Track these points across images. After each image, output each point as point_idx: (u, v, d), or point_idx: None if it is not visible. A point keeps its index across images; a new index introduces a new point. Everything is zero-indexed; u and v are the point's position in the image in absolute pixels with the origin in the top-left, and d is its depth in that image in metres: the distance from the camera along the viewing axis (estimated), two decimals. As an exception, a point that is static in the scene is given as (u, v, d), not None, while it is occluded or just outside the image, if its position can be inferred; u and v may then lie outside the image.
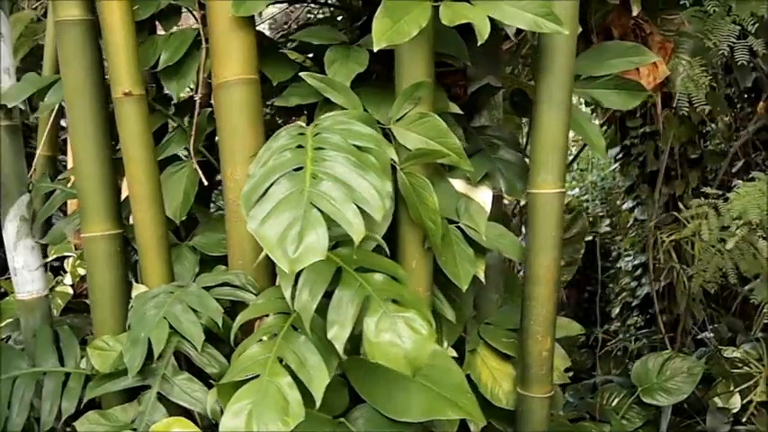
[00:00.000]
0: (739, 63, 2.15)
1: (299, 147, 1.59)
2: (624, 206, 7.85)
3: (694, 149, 7.15)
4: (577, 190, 9.86)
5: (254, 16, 1.92)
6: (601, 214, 9.49)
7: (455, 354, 2.00)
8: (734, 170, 7.50)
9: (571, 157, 9.70)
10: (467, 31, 2.14)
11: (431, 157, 1.78)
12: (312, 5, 2.79)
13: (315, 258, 1.38)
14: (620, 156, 7.63)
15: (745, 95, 7.61)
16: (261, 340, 1.64)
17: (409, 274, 1.88)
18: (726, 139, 7.91)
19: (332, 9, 2.71)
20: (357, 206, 1.47)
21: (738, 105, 7.78)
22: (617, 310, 7.77)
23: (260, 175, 1.53)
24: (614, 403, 2.99)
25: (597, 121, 8.33)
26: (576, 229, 2.65)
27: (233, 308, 1.89)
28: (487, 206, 2.04)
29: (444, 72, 2.27)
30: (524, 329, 1.97)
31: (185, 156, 2.11)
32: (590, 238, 9.04)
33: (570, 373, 3.86)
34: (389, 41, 1.62)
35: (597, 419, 2.94)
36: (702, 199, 2.32)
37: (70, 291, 2.54)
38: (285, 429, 1.46)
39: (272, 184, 1.49)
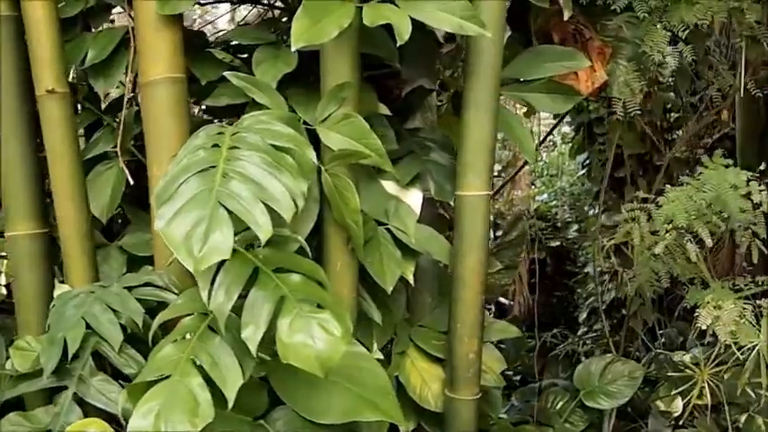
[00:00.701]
0: (672, 68, 2.17)
1: (215, 146, 1.58)
2: (591, 212, 7.93)
3: (660, 156, 7.24)
4: (546, 195, 9.94)
5: (181, 15, 1.91)
6: (569, 220, 9.57)
7: (381, 356, 1.99)
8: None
9: (541, 163, 9.81)
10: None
11: (353, 158, 1.78)
12: (260, 5, 2.78)
13: (219, 257, 1.38)
14: (588, 162, 7.71)
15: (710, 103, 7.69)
16: (177, 341, 1.63)
17: (334, 275, 1.88)
18: (691, 146, 8.00)
19: (277, 8, 2.70)
20: (268, 206, 1.46)
21: (704, 113, 7.87)
22: (584, 315, 7.84)
23: (172, 175, 1.52)
24: (558, 407, 3.00)
25: (568, 128, 8.43)
26: (516, 232, 2.66)
27: (159, 309, 1.87)
28: (417, 208, 2.04)
29: (379, 74, 2.27)
30: (451, 332, 1.97)
31: (116, 154, 2.09)
32: (558, 243, 9.13)
33: (518, 377, 3.90)
34: (308, 41, 1.62)
35: (541, 423, 2.95)
36: (635, 203, 2.33)
37: (4, 291, 2.51)
38: (193, 430, 1.45)
39: (182, 183, 1.48)
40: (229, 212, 1.42)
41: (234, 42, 2.18)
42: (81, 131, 2.17)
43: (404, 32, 1.61)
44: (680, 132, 8.30)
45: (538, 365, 3.56)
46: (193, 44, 2.02)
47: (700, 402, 3.03)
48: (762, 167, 2.57)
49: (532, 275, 8.62)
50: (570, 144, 8.05)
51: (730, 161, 2.23)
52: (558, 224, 9.48)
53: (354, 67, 1.82)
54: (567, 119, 8.79)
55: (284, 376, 1.74)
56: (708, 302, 2.21)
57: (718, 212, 2.09)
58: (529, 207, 9.49)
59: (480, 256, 1.93)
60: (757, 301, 2.29)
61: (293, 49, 1.60)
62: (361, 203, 2.00)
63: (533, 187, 10.04)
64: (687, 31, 2.13)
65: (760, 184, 2.12)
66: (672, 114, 7.73)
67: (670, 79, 8.08)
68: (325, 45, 1.82)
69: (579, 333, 5.40)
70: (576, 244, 9.32)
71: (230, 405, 1.51)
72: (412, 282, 2.01)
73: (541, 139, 5.85)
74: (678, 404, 3.00)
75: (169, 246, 1.39)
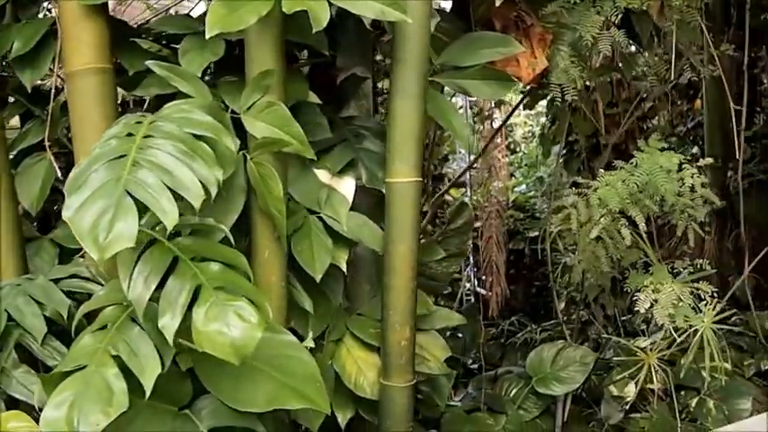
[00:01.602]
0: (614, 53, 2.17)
1: (129, 135, 1.57)
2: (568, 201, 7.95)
3: (635, 146, 7.26)
4: (524, 186, 9.96)
5: (106, 5, 1.90)
6: (546, 210, 9.58)
7: (313, 344, 1.99)
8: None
9: (520, 154, 9.82)
10: (338, 21, 2.15)
11: (276, 146, 1.77)
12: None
13: (124, 245, 1.37)
14: (565, 152, 7.73)
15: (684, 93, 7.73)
16: (97, 331, 1.62)
17: (262, 263, 1.88)
18: (665, 135, 8.03)
19: None
20: (178, 193, 1.46)
21: (679, 102, 7.92)
22: (562, 306, 7.86)
23: (84, 164, 1.51)
24: (512, 393, 3.01)
25: (544, 119, 8.44)
26: (461, 219, 2.66)
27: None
28: (350, 196, 2.04)
29: (315, 63, 2.27)
30: (384, 319, 1.98)
31: (49, 146, 2.08)
32: (536, 233, 9.16)
33: (476, 365, 3.91)
34: (224, 29, 1.61)
35: (494, 410, 2.96)
36: (575, 188, 2.34)
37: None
38: (106, 420, 1.45)
39: (91, 173, 1.47)
40: (137, 201, 1.41)
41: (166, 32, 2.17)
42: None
43: (321, 19, 1.61)
44: (654, 121, 8.34)
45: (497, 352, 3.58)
46: (122, 34, 2.00)
47: (653, 387, 3.05)
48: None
49: (512, 265, 8.68)
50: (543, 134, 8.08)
51: (665, 145, 2.24)
52: (537, 214, 9.53)
53: (278, 55, 1.82)
54: (543, 110, 8.83)
55: (210, 365, 1.73)
56: (647, 286, 2.21)
57: (651, 196, 2.10)
58: (507, 198, 9.53)
59: (410, 243, 1.93)
60: (695, 285, 2.30)
61: (207, 36, 1.59)
62: (294, 192, 2.01)
63: (513, 178, 10.08)
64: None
65: (694, 168, 2.13)
66: (646, 104, 7.77)
67: (644, 68, 8.10)
68: (248, 33, 1.81)
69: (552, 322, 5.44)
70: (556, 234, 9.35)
71: (147, 394, 1.52)
72: (345, 270, 2.01)
73: (500, 124, 5.84)
74: (631, 389, 3.01)
75: (76, 235, 1.39)
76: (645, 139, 7.29)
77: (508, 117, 5.27)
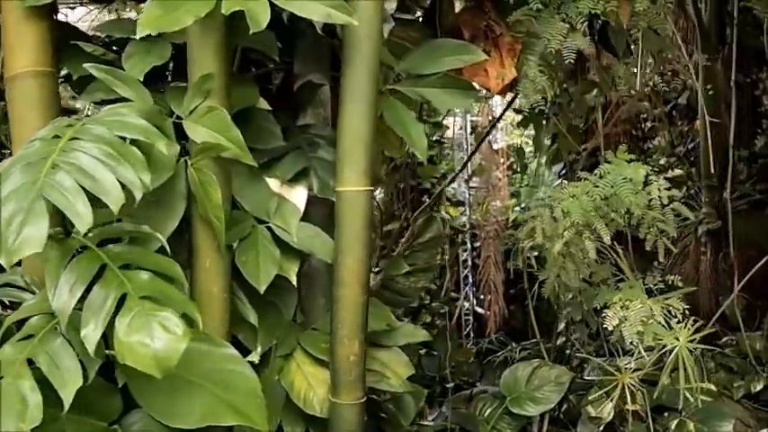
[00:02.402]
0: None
1: (56, 137, 1.51)
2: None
3: None
4: (524, 205, 9.88)
5: (51, 7, 1.85)
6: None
7: (257, 359, 1.91)
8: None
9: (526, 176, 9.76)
10: (292, 27, 2.10)
11: (215, 151, 1.71)
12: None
13: (31, 250, 1.31)
14: (564, 171, 7.65)
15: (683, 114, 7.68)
16: (19, 341, 1.56)
17: (203, 273, 1.82)
18: (667, 155, 7.96)
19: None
20: (97, 197, 1.40)
21: (679, 122, 7.86)
22: (562, 325, 7.75)
23: (6, 166, 1.45)
24: (486, 413, 2.92)
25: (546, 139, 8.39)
26: (429, 233, 2.58)
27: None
28: (301, 206, 1.97)
29: (272, 69, 2.22)
30: (332, 333, 1.90)
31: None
32: (537, 254, 9.06)
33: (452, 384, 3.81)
34: (157, 29, 1.56)
35: (467, 431, 2.87)
36: (541, 200, 2.26)
37: None
38: (20, 434, 1.38)
39: (10, 176, 1.41)
40: (51, 204, 1.35)
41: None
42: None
43: (260, 20, 1.55)
44: (655, 141, 8.26)
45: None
46: (68, 37, 1.96)
47: (632, 407, 2.96)
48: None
49: (511, 284, 8.59)
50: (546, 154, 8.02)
51: (632, 156, 2.16)
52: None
53: (222, 59, 1.76)
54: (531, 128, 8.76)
55: (143, 379, 1.65)
56: (615, 302, 2.13)
57: (617, 209, 2.02)
58: (507, 218, 9.45)
59: (360, 254, 1.86)
60: (667, 302, 2.21)
61: (138, 36, 1.54)
62: (243, 201, 1.94)
63: (513, 198, 10.01)
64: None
65: (662, 181, 2.05)
66: (647, 124, 7.70)
67: (645, 89, 8.06)
68: (190, 36, 1.76)
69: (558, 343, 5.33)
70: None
71: (66, 408, 1.45)
72: (294, 282, 1.94)
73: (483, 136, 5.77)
74: (608, 409, 2.91)
75: (-14, 239, 1.32)
76: (645, 160, 7.17)
77: (489, 130, 5.19)
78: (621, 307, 2.13)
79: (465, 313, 8.14)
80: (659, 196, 2.02)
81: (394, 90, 2.11)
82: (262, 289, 1.81)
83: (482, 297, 7.78)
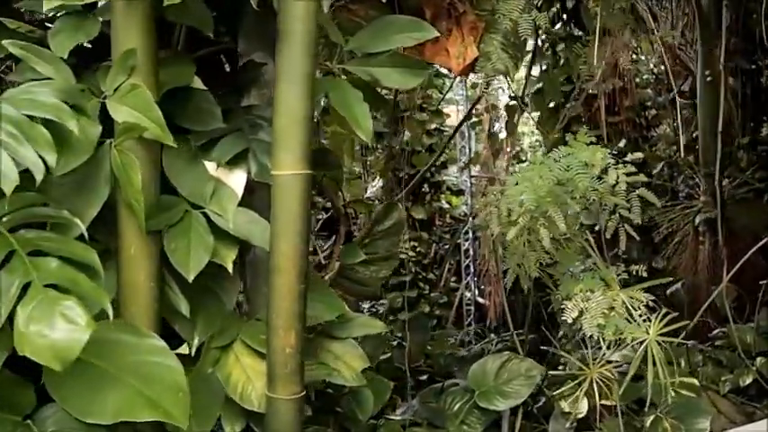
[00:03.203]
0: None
1: (-46, 116, 1.43)
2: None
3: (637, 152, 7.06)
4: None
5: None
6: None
7: (186, 350, 1.83)
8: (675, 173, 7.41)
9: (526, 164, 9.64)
10: (233, 4, 2.00)
11: (135, 132, 1.62)
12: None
13: None
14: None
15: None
16: None
17: (128, 261, 1.73)
18: (670, 143, 7.81)
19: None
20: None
21: (683, 110, 7.71)
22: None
23: None
24: (456, 408, 2.82)
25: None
26: (390, 221, 2.48)
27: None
28: (239, 190, 1.88)
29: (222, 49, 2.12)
30: (268, 324, 1.80)
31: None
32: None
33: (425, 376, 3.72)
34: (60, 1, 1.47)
35: (434, 425, 2.78)
36: (498, 186, 2.16)
37: None
38: None
39: None
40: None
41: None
42: None
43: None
44: (658, 130, 8.10)
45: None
46: (-4, 15, 1.87)
47: (607, 403, 2.85)
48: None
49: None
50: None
51: (593, 138, 2.05)
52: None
53: (146, 34, 1.68)
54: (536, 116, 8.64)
55: (62, 372, 1.58)
56: (576, 293, 2.03)
57: (571, 193, 1.91)
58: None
59: (296, 241, 1.76)
60: (630, 293, 2.10)
61: (44, 9, 1.45)
62: (178, 185, 1.86)
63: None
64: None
65: (618, 164, 1.94)
66: (650, 111, 7.54)
67: (650, 76, 7.87)
68: (114, 12, 1.68)
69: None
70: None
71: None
72: (231, 270, 1.84)
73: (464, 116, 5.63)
74: (583, 405, 2.81)
75: None
76: (650, 148, 7.00)
77: (466, 117, 5.07)
78: (582, 299, 2.02)
79: (467, 303, 8.05)
80: (617, 180, 1.91)
81: (345, 70, 2.02)
82: (190, 277, 1.72)
83: (482, 287, 7.69)
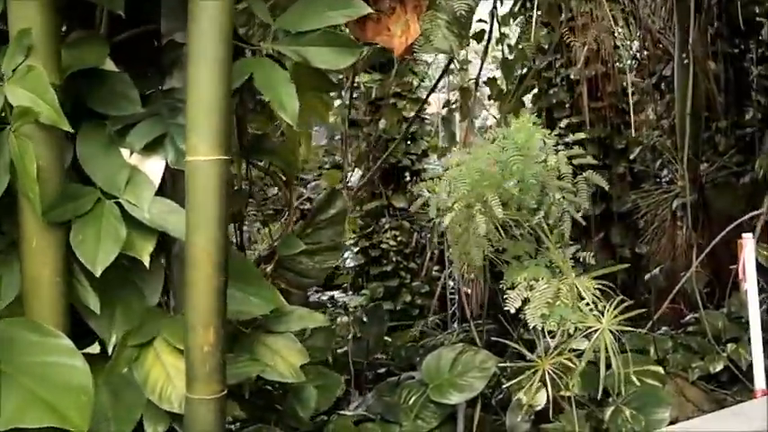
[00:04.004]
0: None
1: None
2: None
3: (620, 139, 6.98)
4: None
5: None
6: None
7: (97, 350, 1.72)
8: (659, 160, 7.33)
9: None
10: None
11: (29, 117, 1.51)
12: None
13: None
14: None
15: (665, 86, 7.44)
16: None
17: (30, 254, 1.62)
18: (652, 128, 7.72)
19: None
20: None
21: (660, 97, 7.61)
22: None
23: None
24: (411, 401, 2.73)
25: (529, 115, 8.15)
26: (333, 209, 2.37)
27: None
28: (156, 178, 1.77)
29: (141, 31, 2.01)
30: (185, 321, 1.70)
31: None
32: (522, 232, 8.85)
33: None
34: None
35: (388, 420, 2.68)
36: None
37: None
38: None
39: None
40: None
41: None
42: None
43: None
44: (641, 115, 8.01)
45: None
46: None
47: (568, 394, 2.76)
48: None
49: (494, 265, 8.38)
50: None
51: (538, 120, 1.94)
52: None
53: (46, 12, 1.57)
54: (528, 105, 8.53)
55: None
56: (521, 282, 1.93)
57: (509, 176, 1.81)
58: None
59: (212, 232, 1.65)
60: (576, 280, 2.01)
61: None
62: (91, 173, 1.75)
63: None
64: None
65: (558, 145, 1.84)
66: (633, 97, 7.44)
67: (632, 61, 7.76)
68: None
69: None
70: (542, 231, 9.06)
71: None
72: (147, 263, 1.74)
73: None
74: (541, 397, 2.72)
75: None
76: (634, 133, 6.84)
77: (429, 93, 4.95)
78: (526, 287, 1.92)
79: (450, 292, 7.95)
80: (558, 166, 1.81)
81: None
82: (97, 271, 1.62)
83: (464, 276, 7.59)
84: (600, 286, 2.35)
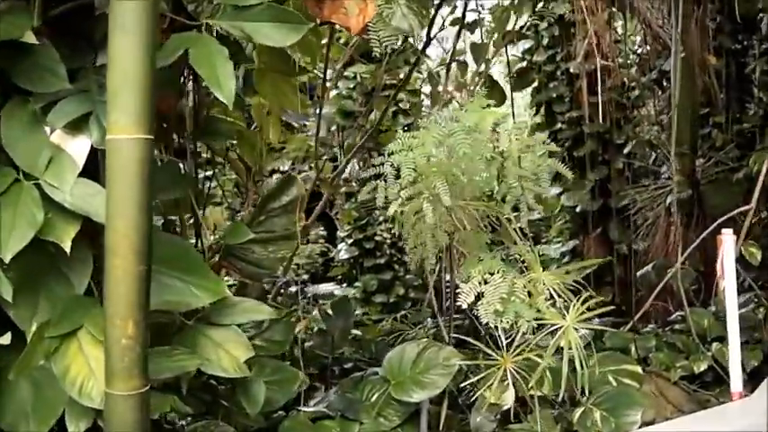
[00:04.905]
0: None
1: None
2: (551, 192, 7.51)
3: (620, 134, 6.84)
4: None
5: None
6: (534, 201, 9.12)
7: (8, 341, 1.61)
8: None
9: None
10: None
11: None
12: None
13: None
14: (549, 141, 7.24)
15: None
16: None
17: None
18: (652, 123, 7.58)
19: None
20: None
21: (662, 92, 7.48)
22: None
23: None
24: (373, 398, 2.61)
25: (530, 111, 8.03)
26: (288, 196, 2.25)
27: None
28: (81, 159, 1.66)
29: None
30: (104, 311, 1.59)
31: None
32: (522, 224, 8.72)
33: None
34: None
35: (347, 418, 2.57)
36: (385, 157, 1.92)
37: None
38: None
39: None
40: None
41: None
42: None
43: None
44: (642, 110, 7.87)
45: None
46: None
47: (539, 393, 2.65)
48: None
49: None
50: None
51: (492, 102, 1.82)
52: (519, 206, 9.06)
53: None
54: (527, 98, 8.38)
55: None
56: (475, 276, 1.81)
57: (453, 159, 1.68)
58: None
59: (133, 217, 1.54)
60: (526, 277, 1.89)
61: None
62: (13, 153, 1.65)
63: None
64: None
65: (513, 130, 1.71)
66: (633, 92, 7.29)
67: (632, 56, 7.62)
68: None
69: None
70: (540, 225, 8.94)
71: None
72: (68, 249, 1.63)
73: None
74: (509, 396, 2.60)
75: None
76: (635, 128, 6.72)
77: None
78: (480, 282, 1.81)
79: (446, 286, 7.83)
80: (503, 150, 1.68)
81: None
82: (6, 257, 1.51)
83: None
84: (571, 282, 2.25)
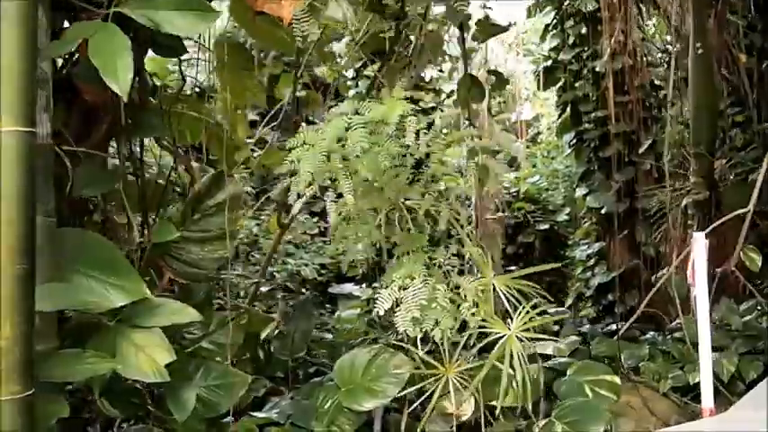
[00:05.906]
0: None
1: None
2: (577, 193, 7.31)
3: (647, 135, 6.63)
4: (538, 177, 9.30)
5: None
6: (561, 203, 8.92)
7: None
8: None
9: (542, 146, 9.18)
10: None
11: None
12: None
13: None
14: (575, 141, 7.07)
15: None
16: None
17: None
18: (681, 123, 7.34)
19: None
20: None
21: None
22: (570, 301, 7.23)
23: None
24: (326, 406, 2.51)
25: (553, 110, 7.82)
26: (221, 195, 2.15)
27: None
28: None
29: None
30: (-16, 312, 1.52)
31: None
32: (547, 226, 8.53)
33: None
34: None
35: (298, 425, 2.48)
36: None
37: None
38: None
39: None
40: None
41: None
42: None
43: None
44: (671, 110, 7.64)
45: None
46: None
47: (505, 404, 2.52)
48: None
49: (519, 259, 8.06)
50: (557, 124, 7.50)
51: (410, 94, 1.69)
52: (550, 207, 8.88)
53: None
54: (554, 97, 8.18)
55: None
56: (394, 281, 1.70)
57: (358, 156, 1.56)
58: (519, 189, 8.91)
59: (10, 213, 1.47)
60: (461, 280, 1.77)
61: None
62: None
63: (534, 168, 9.48)
64: None
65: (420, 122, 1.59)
66: (661, 91, 7.06)
67: (662, 54, 7.40)
68: None
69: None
70: (568, 227, 8.74)
71: None
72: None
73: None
74: (469, 406, 2.48)
75: None
76: (661, 129, 6.50)
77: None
78: (400, 287, 1.69)
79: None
80: (417, 141, 1.56)
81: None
82: None
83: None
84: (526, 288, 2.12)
